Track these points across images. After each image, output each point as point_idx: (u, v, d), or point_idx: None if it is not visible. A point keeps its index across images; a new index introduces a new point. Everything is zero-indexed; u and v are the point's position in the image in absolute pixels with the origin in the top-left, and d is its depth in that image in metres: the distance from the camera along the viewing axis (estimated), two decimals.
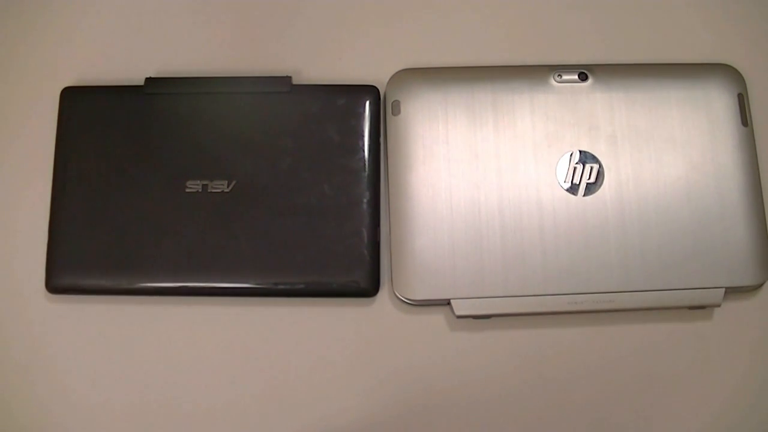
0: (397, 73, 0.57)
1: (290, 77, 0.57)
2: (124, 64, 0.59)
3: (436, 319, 0.55)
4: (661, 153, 0.56)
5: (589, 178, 0.55)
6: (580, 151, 0.56)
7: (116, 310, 0.55)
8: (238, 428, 0.54)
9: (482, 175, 0.55)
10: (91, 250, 0.54)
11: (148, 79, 0.57)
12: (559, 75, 0.57)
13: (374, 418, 0.54)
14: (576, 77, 0.57)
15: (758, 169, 0.56)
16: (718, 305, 0.54)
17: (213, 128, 0.56)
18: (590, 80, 0.57)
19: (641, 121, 0.56)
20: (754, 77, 0.58)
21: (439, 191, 0.55)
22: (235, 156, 0.55)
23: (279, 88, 0.57)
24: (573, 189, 0.55)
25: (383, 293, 0.55)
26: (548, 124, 0.56)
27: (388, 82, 0.57)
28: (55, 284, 0.54)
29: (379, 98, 0.57)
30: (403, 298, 0.54)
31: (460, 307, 0.53)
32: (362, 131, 0.56)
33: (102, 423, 0.54)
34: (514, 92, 0.56)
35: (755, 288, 0.55)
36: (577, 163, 0.55)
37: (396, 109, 0.56)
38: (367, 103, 0.56)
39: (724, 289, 0.54)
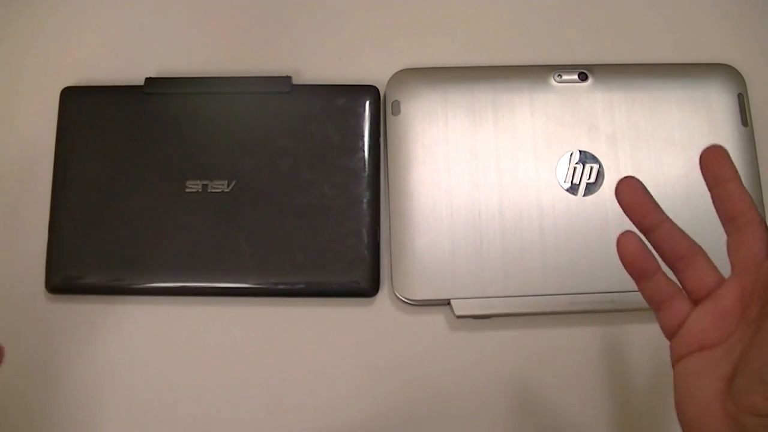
0: (397, 73, 0.57)
1: (290, 77, 0.57)
2: (124, 64, 0.59)
3: (436, 319, 0.55)
4: (661, 153, 0.56)
5: (589, 178, 0.55)
6: (580, 151, 0.56)
7: (116, 310, 0.55)
8: (238, 428, 0.54)
9: (482, 175, 0.55)
10: (91, 250, 0.54)
11: (148, 79, 0.57)
12: (559, 75, 0.57)
13: (374, 418, 0.54)
14: (576, 77, 0.57)
15: (758, 169, 0.56)
16: None
17: (213, 128, 0.56)
18: (590, 80, 0.57)
19: (641, 121, 0.56)
20: (754, 77, 0.58)
21: (439, 191, 0.55)
22: (235, 156, 0.55)
23: (279, 88, 0.57)
24: (573, 189, 0.55)
25: (383, 293, 0.55)
26: (548, 124, 0.56)
27: (388, 82, 0.57)
28: (55, 284, 0.54)
29: (379, 98, 0.57)
30: (403, 298, 0.54)
31: (460, 307, 0.53)
32: (362, 131, 0.56)
33: (102, 423, 0.54)
34: (514, 92, 0.56)
35: None
36: (577, 163, 0.55)
37: (396, 109, 0.56)
38: (367, 103, 0.56)
39: None
